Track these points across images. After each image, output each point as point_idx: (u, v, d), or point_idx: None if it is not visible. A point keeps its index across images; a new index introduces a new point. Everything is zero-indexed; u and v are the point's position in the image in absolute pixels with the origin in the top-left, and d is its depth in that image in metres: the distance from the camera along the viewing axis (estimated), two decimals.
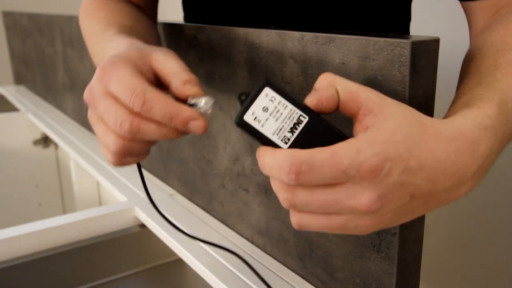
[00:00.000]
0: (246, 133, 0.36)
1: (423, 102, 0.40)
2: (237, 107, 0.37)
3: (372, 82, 0.41)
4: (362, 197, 0.32)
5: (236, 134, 0.61)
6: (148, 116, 0.39)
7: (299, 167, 0.32)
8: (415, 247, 0.45)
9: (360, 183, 0.32)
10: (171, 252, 0.70)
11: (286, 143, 0.35)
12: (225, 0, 0.71)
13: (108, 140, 0.41)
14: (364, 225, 0.34)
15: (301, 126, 0.35)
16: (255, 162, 0.59)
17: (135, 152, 0.42)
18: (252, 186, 0.61)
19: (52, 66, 1.38)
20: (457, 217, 1.31)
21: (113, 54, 0.43)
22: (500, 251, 1.24)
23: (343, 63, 0.44)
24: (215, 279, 0.58)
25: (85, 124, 1.22)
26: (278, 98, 0.35)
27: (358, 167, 0.31)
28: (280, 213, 0.57)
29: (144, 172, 0.91)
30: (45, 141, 1.49)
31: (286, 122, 0.35)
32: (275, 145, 0.35)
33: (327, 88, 0.35)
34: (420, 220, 0.44)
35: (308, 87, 0.49)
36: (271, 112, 0.35)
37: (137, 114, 0.39)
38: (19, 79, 1.88)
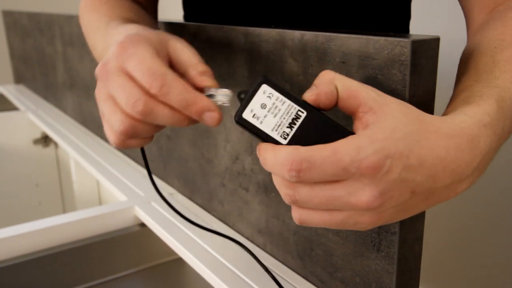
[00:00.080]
0: (246, 131, 0.36)
1: (423, 101, 0.40)
2: (237, 105, 0.37)
3: (372, 81, 0.41)
4: (362, 194, 0.32)
5: (236, 133, 0.61)
6: (164, 100, 0.38)
7: (300, 164, 0.32)
8: (415, 246, 0.45)
9: (360, 180, 0.32)
10: (171, 251, 0.70)
11: (285, 138, 0.35)
12: None
13: (115, 118, 0.39)
14: (364, 222, 0.34)
15: (300, 121, 0.35)
16: (255, 161, 0.59)
17: (141, 135, 0.40)
18: (252, 185, 0.61)
19: (52, 65, 1.38)
20: (457, 216, 1.31)
21: (132, 33, 0.41)
22: (500, 251, 1.24)
23: (343, 62, 0.44)
24: (215, 278, 0.58)
25: (85, 123, 1.22)
26: (276, 94, 0.36)
27: (358, 164, 0.31)
28: (280, 212, 0.57)
29: (144, 171, 0.91)
30: (45, 140, 1.49)
31: (284, 118, 0.35)
32: (275, 141, 0.35)
33: (327, 84, 0.35)
34: (420, 219, 0.44)
35: (308, 86, 0.48)
36: (269, 109, 0.36)
37: (152, 96, 0.38)
38: (19, 78, 1.88)
